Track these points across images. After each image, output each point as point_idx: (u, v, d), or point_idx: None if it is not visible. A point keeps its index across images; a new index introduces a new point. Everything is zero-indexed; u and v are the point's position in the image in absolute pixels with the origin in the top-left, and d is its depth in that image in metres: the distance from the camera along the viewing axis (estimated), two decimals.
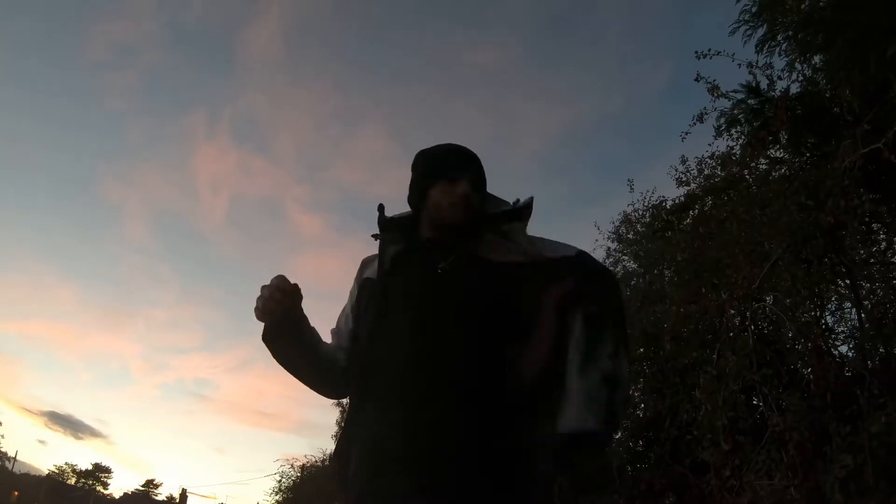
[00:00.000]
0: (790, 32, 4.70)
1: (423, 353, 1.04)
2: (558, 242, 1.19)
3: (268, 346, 1.15)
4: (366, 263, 1.26)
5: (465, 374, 1.02)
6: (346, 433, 1.09)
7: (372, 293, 1.17)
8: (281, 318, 1.10)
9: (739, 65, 5.20)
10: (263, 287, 1.10)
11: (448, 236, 1.18)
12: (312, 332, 1.20)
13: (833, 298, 5.70)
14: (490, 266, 1.12)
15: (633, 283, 8.38)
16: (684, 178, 6.97)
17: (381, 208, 1.21)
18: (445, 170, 1.19)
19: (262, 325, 1.13)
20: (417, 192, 1.22)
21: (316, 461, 20.81)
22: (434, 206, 1.18)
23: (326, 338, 1.25)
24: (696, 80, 5.43)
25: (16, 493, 37.61)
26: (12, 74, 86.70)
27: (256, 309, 1.10)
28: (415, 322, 1.08)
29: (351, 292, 1.28)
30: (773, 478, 4.31)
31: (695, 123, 5.68)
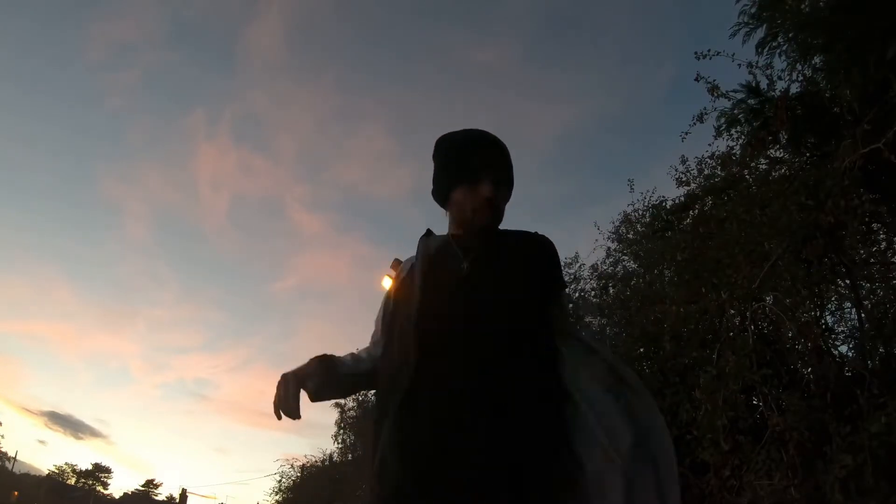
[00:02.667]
0: (790, 34, 4.70)
1: (455, 358, 1.03)
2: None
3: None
4: (403, 266, 1.27)
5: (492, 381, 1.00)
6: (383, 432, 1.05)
7: (402, 297, 1.18)
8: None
9: (739, 65, 5.20)
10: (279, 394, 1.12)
11: (474, 237, 1.18)
12: (343, 363, 1.25)
13: (833, 298, 5.69)
14: (511, 266, 1.13)
15: (633, 283, 8.38)
16: (684, 178, 6.97)
17: (428, 233, 1.26)
18: (468, 170, 1.17)
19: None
20: (440, 192, 1.23)
21: (316, 461, 20.81)
22: (458, 208, 1.18)
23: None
24: (696, 80, 5.44)
25: (16, 493, 37.63)
26: (12, 74, 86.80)
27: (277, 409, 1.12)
28: (442, 325, 1.07)
29: (387, 294, 1.27)
30: (773, 478, 4.31)
31: (695, 123, 5.69)
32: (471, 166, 1.17)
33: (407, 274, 1.21)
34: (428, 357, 1.03)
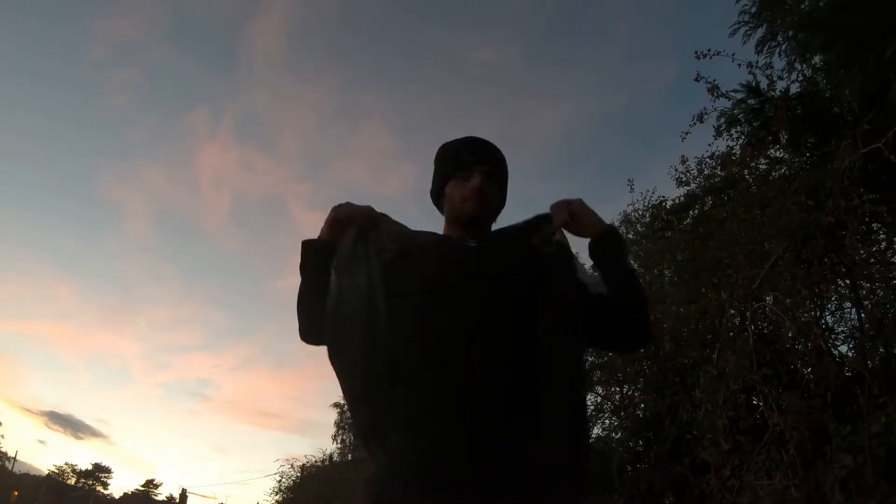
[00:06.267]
0: (790, 33, 4.70)
1: (457, 337, 0.98)
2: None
3: (308, 268, 1.16)
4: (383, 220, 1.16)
5: (503, 363, 0.96)
6: (377, 416, 0.97)
7: (387, 267, 1.06)
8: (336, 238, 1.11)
9: (739, 65, 5.20)
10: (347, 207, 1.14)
11: (467, 231, 1.17)
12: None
13: (833, 298, 5.69)
14: (522, 245, 1.12)
15: None
16: (684, 178, 6.96)
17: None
18: (460, 165, 1.18)
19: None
20: (435, 189, 1.24)
21: (316, 461, 20.83)
22: (449, 200, 1.19)
23: None
24: (696, 79, 5.44)
25: (16, 493, 37.60)
26: (14, 71, 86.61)
27: (334, 219, 1.13)
28: (447, 301, 1.02)
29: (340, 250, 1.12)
30: (773, 478, 4.31)
31: (695, 123, 5.68)
32: (463, 161, 1.18)
33: (389, 233, 1.13)
34: (440, 338, 0.98)
